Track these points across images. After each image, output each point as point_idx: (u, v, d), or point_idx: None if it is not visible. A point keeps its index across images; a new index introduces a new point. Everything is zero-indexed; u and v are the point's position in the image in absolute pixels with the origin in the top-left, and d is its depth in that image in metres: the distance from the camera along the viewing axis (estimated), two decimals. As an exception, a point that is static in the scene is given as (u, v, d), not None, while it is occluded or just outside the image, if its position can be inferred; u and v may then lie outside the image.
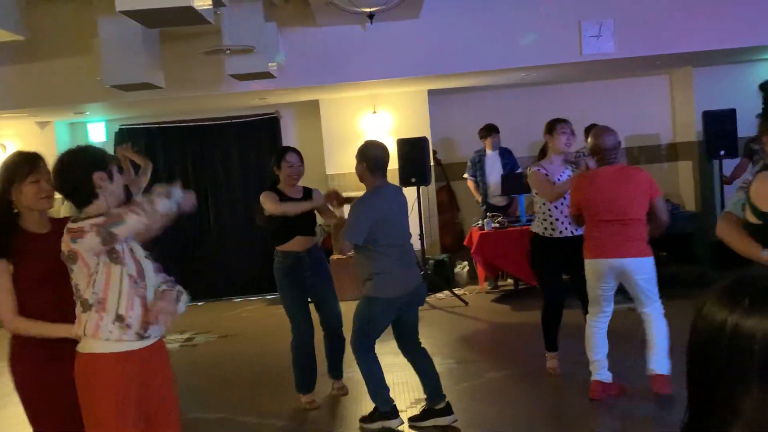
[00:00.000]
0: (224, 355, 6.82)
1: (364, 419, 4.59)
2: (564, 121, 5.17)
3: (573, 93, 9.50)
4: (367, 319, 4.40)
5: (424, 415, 4.57)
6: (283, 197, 4.96)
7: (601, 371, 4.68)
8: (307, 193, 5.08)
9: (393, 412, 4.51)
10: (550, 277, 5.20)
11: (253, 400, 5.36)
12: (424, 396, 4.61)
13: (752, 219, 3.31)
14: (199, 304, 9.32)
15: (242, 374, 6.13)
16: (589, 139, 4.70)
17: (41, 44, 6.95)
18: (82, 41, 6.74)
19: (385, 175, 4.54)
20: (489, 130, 8.49)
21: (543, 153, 5.34)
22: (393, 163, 8.05)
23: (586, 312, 4.98)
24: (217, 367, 6.37)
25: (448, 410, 4.52)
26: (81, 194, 2.77)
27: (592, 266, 4.61)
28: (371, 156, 4.46)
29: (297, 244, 4.93)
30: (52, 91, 7.35)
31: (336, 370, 5.26)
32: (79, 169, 2.77)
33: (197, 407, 5.22)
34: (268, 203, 4.86)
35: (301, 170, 5.05)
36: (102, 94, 7.13)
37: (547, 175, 5.09)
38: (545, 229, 5.16)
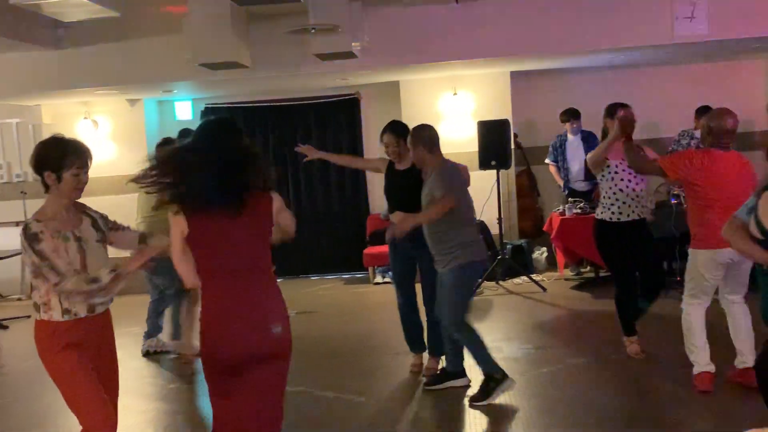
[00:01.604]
0: (303, 330, 6.92)
1: (478, 397, 4.60)
2: (625, 105, 5.15)
3: (660, 76, 9.20)
4: (466, 288, 4.63)
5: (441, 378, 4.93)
6: (392, 171, 5.18)
7: (707, 361, 4.51)
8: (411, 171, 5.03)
9: (504, 375, 4.61)
10: (622, 261, 5.22)
11: (332, 376, 5.43)
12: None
13: (754, 231, 3.21)
14: (278, 281, 9.50)
15: (321, 350, 6.22)
16: (706, 121, 4.51)
17: (134, 22, 7.17)
18: (172, 20, 6.90)
19: (441, 153, 4.71)
20: (570, 115, 8.31)
21: (603, 137, 5.34)
22: (473, 146, 8.10)
23: (648, 299, 5.16)
24: (296, 342, 6.43)
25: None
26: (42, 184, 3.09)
27: (708, 256, 4.39)
28: (426, 137, 4.65)
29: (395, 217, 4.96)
30: (142, 68, 7.58)
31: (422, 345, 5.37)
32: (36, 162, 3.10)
33: (277, 380, 5.33)
34: None
35: (398, 150, 5.03)
36: (190, 73, 7.31)
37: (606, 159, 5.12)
38: (612, 213, 5.16)
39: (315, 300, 8.27)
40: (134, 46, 7.51)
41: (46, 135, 9.82)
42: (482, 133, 7.97)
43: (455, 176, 4.62)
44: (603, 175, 5.20)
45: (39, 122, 9.12)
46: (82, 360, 3.05)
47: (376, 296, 8.34)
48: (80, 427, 3.09)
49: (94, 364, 3.10)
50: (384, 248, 9.23)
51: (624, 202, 5.12)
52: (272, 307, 2.88)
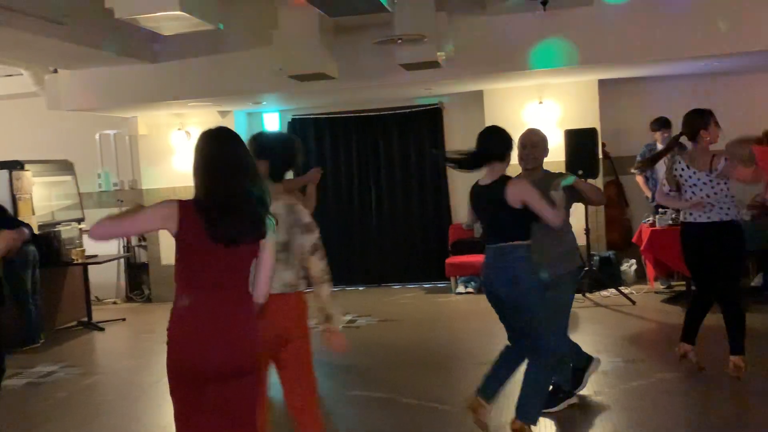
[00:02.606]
0: (385, 338, 6.97)
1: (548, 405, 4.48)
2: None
3: (758, 84, 8.83)
4: (573, 294, 4.61)
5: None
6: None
7: None
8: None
9: (570, 390, 4.58)
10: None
11: (414, 383, 5.44)
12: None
13: None
14: (360, 288, 9.61)
15: (404, 357, 6.24)
16: None
17: (226, 36, 7.41)
18: (263, 33, 7.09)
19: None
20: (661, 124, 8.07)
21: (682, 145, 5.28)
22: (559, 155, 7.98)
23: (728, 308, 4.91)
24: (378, 349, 6.52)
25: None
26: None
27: None
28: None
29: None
30: (233, 81, 7.82)
31: None
32: None
33: (359, 386, 5.38)
34: None
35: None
36: (279, 85, 7.50)
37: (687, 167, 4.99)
38: (690, 214, 5.07)
39: (396, 309, 8.30)
40: (226, 59, 7.77)
41: (142, 146, 10.33)
42: (569, 142, 7.85)
43: None
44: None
45: (135, 133, 9.52)
46: None
47: (458, 306, 8.31)
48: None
49: None
50: (466, 258, 9.34)
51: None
52: (244, 324, 2.80)
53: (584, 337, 6.44)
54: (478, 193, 4.12)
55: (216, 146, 2.80)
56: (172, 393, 2.79)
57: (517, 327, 4.08)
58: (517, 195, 3.87)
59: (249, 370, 2.80)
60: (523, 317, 3.99)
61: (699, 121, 4.93)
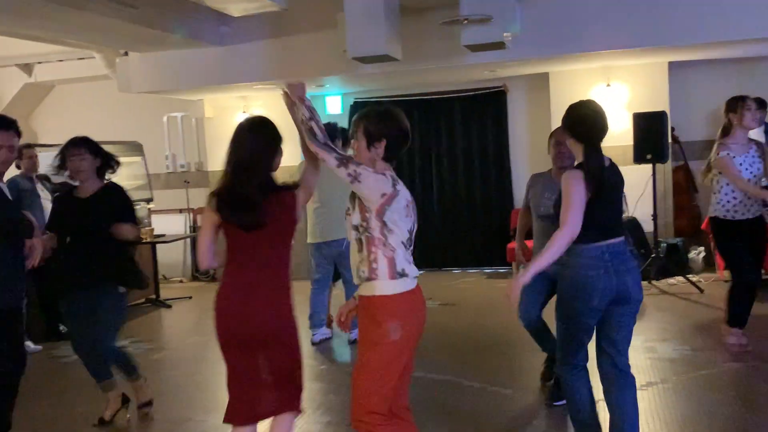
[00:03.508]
0: (446, 321, 6.96)
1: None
2: (747, 98, 5.22)
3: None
4: None
5: None
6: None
7: None
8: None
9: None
10: (740, 258, 5.20)
11: (477, 367, 5.43)
12: None
13: None
14: (420, 272, 9.59)
15: (465, 341, 6.24)
16: None
17: (290, 18, 7.48)
18: (328, 15, 7.12)
19: None
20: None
21: (725, 131, 5.25)
22: (627, 139, 7.81)
23: None
24: (440, 332, 6.51)
25: None
26: None
27: None
28: None
29: None
30: (298, 63, 7.88)
31: None
32: None
33: (421, 368, 5.35)
34: None
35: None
36: (343, 67, 7.52)
37: (734, 157, 5.10)
38: (727, 211, 5.17)
39: (457, 293, 8.27)
40: (291, 42, 7.83)
41: (208, 128, 10.50)
42: (637, 126, 7.67)
43: None
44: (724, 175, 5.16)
45: (202, 116, 9.70)
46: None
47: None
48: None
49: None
50: (528, 242, 9.12)
51: (740, 201, 5.14)
52: (275, 296, 3.11)
53: (651, 324, 6.33)
54: (609, 176, 3.33)
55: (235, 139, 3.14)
56: (224, 357, 3.15)
57: (621, 339, 3.45)
58: None
59: (285, 335, 3.13)
60: (632, 321, 3.46)
61: None
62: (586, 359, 3.49)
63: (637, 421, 3.43)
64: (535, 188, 4.60)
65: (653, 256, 7.86)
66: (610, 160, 3.40)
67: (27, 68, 9.84)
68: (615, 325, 3.38)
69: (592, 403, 3.52)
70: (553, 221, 3.43)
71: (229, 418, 3.15)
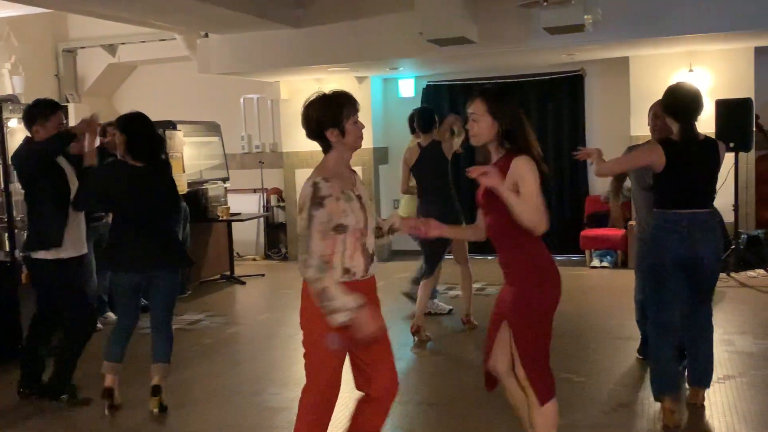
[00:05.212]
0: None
1: None
2: None
3: None
4: None
5: None
6: None
7: None
8: None
9: None
10: None
11: (550, 352, 5.36)
12: None
13: None
14: (489, 258, 9.54)
15: (562, 331, 5.92)
16: None
17: (367, 1, 7.49)
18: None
19: None
20: None
21: None
22: (709, 126, 7.54)
23: None
24: (510, 318, 6.47)
25: None
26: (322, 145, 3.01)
27: None
28: None
29: None
30: (373, 46, 7.89)
31: None
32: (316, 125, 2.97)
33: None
34: None
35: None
36: (418, 50, 7.50)
37: None
38: None
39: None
40: (366, 24, 7.83)
41: (283, 110, 10.63)
42: (720, 113, 7.42)
43: None
44: None
45: (277, 97, 9.84)
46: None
47: (592, 280, 8.11)
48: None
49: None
50: (602, 231, 9.06)
51: None
52: None
53: (729, 316, 6.15)
54: (697, 149, 3.86)
55: None
56: (544, 329, 3.15)
57: (698, 297, 4.00)
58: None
59: None
60: (713, 284, 4.02)
61: None
62: (673, 321, 3.89)
63: (711, 368, 4.09)
64: None
65: (733, 247, 7.61)
66: (710, 138, 3.91)
67: (111, 49, 10.18)
68: (691, 286, 3.86)
69: (673, 361, 3.94)
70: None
71: (551, 393, 3.13)
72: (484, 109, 3.01)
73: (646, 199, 4.50)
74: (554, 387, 3.15)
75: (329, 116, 2.91)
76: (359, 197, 2.97)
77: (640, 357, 4.99)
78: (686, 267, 3.82)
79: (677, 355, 4.04)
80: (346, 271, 2.91)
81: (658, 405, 4.09)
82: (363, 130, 2.99)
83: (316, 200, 2.83)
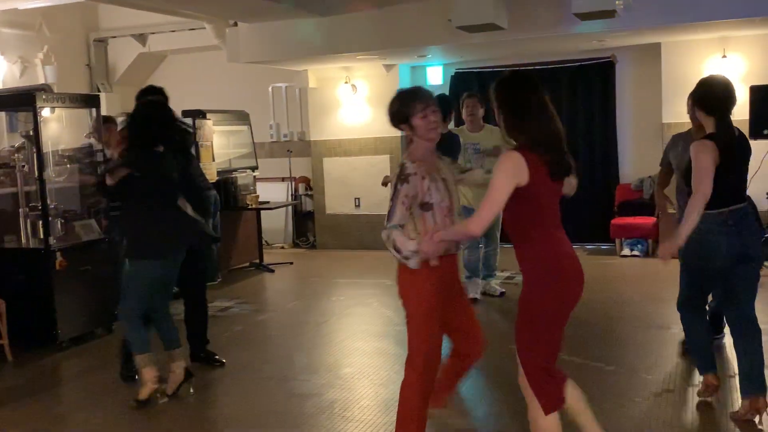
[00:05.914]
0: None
1: None
2: None
3: None
4: None
5: None
6: None
7: None
8: None
9: None
10: None
11: (578, 342, 5.29)
12: None
13: None
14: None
15: (593, 320, 5.92)
16: None
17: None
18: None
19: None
20: None
21: None
22: (743, 113, 7.41)
23: None
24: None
25: None
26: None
27: None
28: None
29: None
30: (401, 34, 7.86)
31: None
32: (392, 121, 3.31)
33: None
34: None
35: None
36: (446, 37, 7.46)
37: None
38: None
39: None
40: (394, 11, 7.80)
41: (311, 98, 10.62)
42: (754, 99, 7.27)
43: None
44: None
45: (305, 86, 9.86)
46: (438, 299, 3.23)
47: (623, 269, 8.04)
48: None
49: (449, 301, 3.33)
50: (633, 219, 8.97)
51: None
52: None
53: (760, 306, 6.04)
54: (738, 143, 3.76)
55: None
56: (554, 329, 3.02)
57: (746, 293, 3.85)
58: None
59: None
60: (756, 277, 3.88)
61: None
62: (705, 302, 4.13)
63: (763, 367, 3.78)
64: (676, 148, 4.70)
65: (766, 236, 7.47)
66: (739, 130, 3.78)
67: (141, 38, 10.28)
68: (739, 280, 3.78)
69: (708, 341, 4.10)
70: (687, 182, 3.77)
71: (554, 405, 2.96)
72: (493, 98, 2.98)
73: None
74: (562, 401, 2.99)
75: (398, 113, 3.25)
76: (444, 180, 3.26)
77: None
78: (738, 262, 3.72)
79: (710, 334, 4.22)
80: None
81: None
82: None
83: (402, 176, 3.15)
